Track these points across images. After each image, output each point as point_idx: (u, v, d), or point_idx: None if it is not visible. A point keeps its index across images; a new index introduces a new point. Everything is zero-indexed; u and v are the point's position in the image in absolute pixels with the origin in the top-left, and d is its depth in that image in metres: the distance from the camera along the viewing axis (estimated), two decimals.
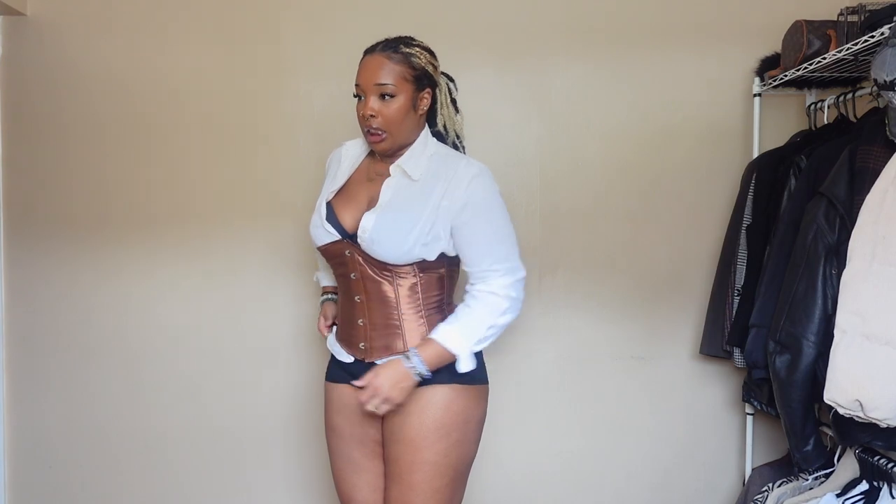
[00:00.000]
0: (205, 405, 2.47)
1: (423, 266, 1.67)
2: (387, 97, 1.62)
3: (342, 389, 1.78)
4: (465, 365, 1.62)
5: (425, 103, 1.69)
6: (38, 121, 2.45)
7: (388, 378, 1.59)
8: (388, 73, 1.62)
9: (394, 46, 1.65)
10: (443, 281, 1.71)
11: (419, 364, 1.60)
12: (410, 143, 1.70)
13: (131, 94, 2.43)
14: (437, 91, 1.73)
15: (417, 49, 1.67)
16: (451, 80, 1.81)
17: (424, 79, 1.67)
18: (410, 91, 1.64)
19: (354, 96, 1.68)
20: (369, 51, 1.67)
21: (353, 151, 1.80)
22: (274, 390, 2.46)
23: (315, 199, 1.80)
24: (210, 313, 2.45)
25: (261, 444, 2.47)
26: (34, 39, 2.44)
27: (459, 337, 1.62)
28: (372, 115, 1.62)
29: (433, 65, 1.70)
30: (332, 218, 1.71)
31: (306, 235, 2.35)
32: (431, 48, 1.72)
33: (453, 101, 1.80)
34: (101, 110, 2.44)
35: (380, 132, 1.64)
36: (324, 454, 1.87)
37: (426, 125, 1.74)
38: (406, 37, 1.69)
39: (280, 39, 2.41)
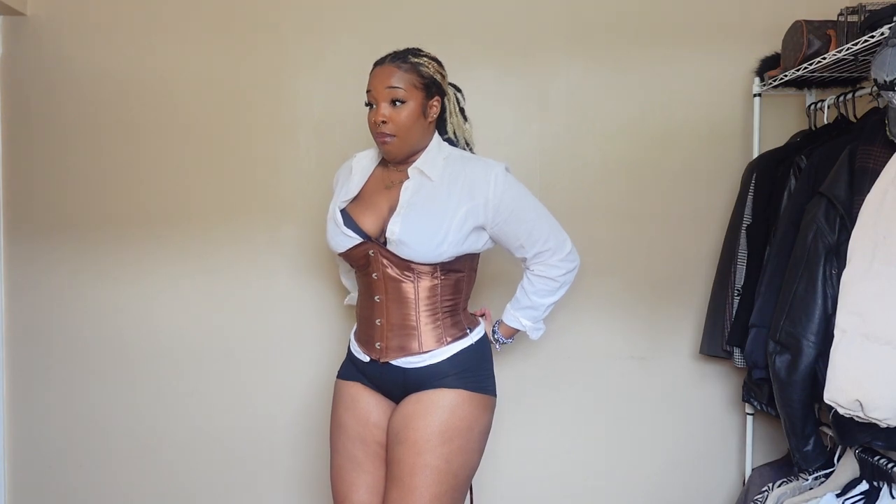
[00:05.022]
0: (205, 405, 2.47)
1: (445, 268, 1.70)
2: (397, 103, 1.67)
3: (355, 387, 1.81)
4: (535, 335, 1.90)
5: (435, 110, 1.73)
6: (38, 121, 2.45)
7: None
8: (398, 80, 1.67)
9: (403, 56, 1.71)
10: (461, 284, 1.75)
11: (501, 338, 1.91)
12: (421, 149, 1.74)
13: (131, 93, 2.43)
14: (446, 100, 1.78)
15: (426, 59, 1.73)
16: (459, 90, 1.86)
17: (433, 87, 1.72)
18: (420, 98, 1.69)
19: (366, 104, 1.72)
20: (379, 62, 1.72)
21: (363, 162, 1.83)
22: (274, 390, 2.45)
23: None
24: (210, 313, 2.45)
25: (262, 444, 2.47)
26: (34, 39, 2.44)
27: (525, 319, 1.87)
28: (384, 121, 1.67)
29: (441, 74, 1.75)
30: (350, 223, 1.74)
31: (306, 235, 2.38)
32: (439, 58, 1.76)
33: (461, 110, 1.85)
34: (101, 110, 2.44)
35: (390, 137, 1.68)
36: (326, 455, 1.86)
37: (437, 132, 1.78)
38: (414, 48, 1.75)
39: (280, 39, 2.41)
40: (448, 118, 1.81)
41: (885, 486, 1.69)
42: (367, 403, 1.79)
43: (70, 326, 2.48)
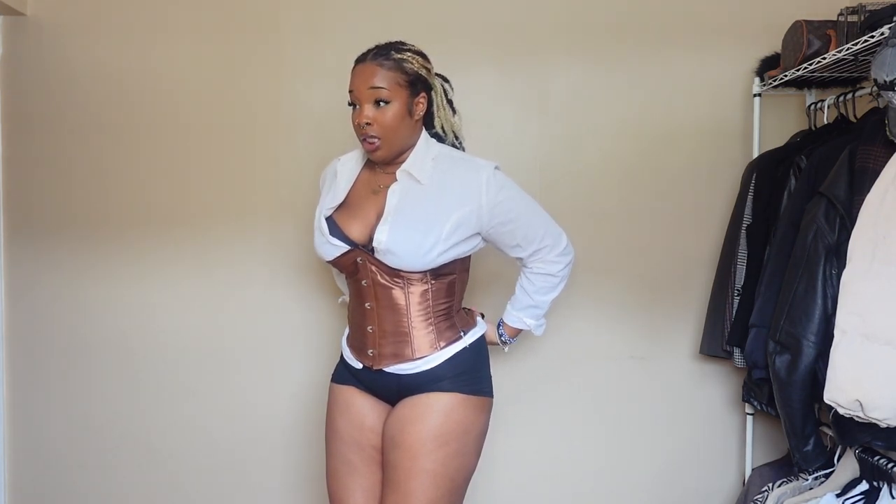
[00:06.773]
0: (204, 406, 2.47)
1: (435, 272, 1.66)
2: (381, 104, 1.60)
3: (349, 391, 1.78)
4: (539, 332, 1.92)
5: (421, 108, 1.67)
6: (38, 121, 2.45)
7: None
8: (381, 79, 1.60)
9: (385, 53, 1.62)
10: (453, 287, 1.72)
11: (507, 338, 1.91)
12: (408, 149, 1.68)
13: (131, 94, 2.43)
14: (433, 93, 1.71)
15: (409, 54, 1.64)
16: (447, 80, 1.80)
17: (418, 83, 1.65)
18: (405, 96, 1.62)
19: (349, 104, 1.66)
20: (360, 59, 1.65)
21: (349, 165, 1.77)
22: (273, 391, 2.45)
23: (315, 201, 1.79)
24: (210, 314, 2.45)
25: (261, 446, 2.47)
26: (34, 39, 2.44)
27: (528, 318, 1.88)
28: (367, 123, 1.61)
29: (426, 68, 1.68)
30: (336, 232, 1.70)
31: (307, 236, 2.38)
32: (424, 51, 1.70)
33: (450, 102, 1.79)
34: (101, 110, 2.44)
35: (375, 139, 1.62)
36: (324, 458, 1.86)
37: (423, 128, 1.72)
38: (397, 42, 1.67)
39: (280, 40, 2.41)
40: (436, 112, 1.73)
41: (885, 486, 1.69)
42: (362, 407, 1.76)
43: (70, 326, 2.48)
